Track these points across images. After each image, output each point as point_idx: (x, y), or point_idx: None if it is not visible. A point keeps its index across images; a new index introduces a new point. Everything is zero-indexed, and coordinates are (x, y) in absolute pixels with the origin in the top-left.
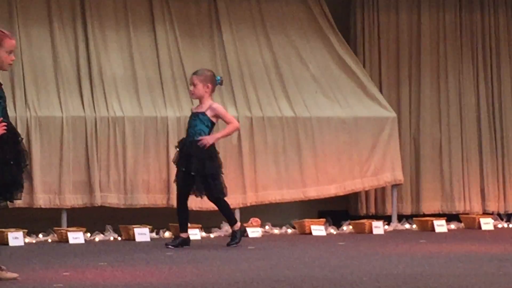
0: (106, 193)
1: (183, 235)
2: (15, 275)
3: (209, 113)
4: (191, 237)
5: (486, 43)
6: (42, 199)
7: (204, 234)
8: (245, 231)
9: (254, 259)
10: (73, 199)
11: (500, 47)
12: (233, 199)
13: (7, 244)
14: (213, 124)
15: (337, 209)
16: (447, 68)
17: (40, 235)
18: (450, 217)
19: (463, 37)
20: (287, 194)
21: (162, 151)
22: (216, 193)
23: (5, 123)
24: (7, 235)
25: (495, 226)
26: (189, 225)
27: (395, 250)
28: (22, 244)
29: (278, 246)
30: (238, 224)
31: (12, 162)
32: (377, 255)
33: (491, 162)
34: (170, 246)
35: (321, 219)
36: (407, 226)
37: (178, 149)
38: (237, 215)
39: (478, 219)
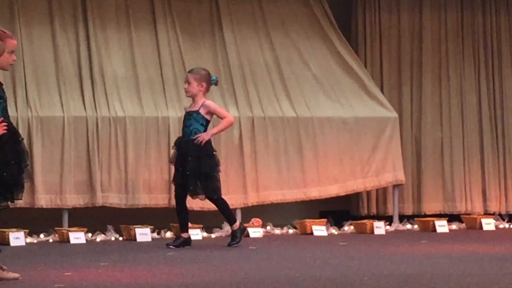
0: (107, 193)
1: (184, 235)
2: (16, 275)
3: (202, 111)
4: (193, 237)
5: (488, 43)
6: (43, 199)
7: (205, 234)
8: (245, 230)
9: (255, 259)
10: (74, 199)
11: (502, 47)
12: (234, 199)
13: (8, 244)
14: (207, 121)
15: (339, 209)
16: (448, 68)
17: (42, 235)
18: (452, 218)
19: (464, 37)
20: (289, 194)
21: (163, 151)
22: (208, 193)
23: (5, 123)
24: (8, 235)
25: (496, 226)
26: (190, 225)
27: (397, 250)
28: (23, 244)
29: (280, 246)
30: (237, 223)
31: (12, 162)
32: (379, 255)
33: (492, 163)
34: (171, 246)
35: (323, 219)
36: (408, 226)
37: (175, 148)
38: (238, 215)
39: (480, 220)
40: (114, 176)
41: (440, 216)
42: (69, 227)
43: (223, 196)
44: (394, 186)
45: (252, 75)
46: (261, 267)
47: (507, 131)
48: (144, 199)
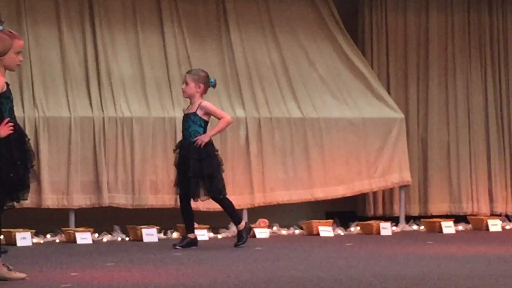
0: (114, 193)
1: (190, 235)
2: (23, 275)
3: (199, 113)
4: (199, 238)
5: (494, 43)
6: (50, 200)
7: (211, 234)
8: (251, 230)
9: (261, 259)
10: (81, 200)
11: (508, 47)
12: (241, 200)
13: (15, 244)
14: (206, 122)
15: (345, 210)
16: (455, 69)
17: (48, 236)
18: (458, 218)
19: (471, 38)
20: (295, 195)
21: (170, 152)
22: (213, 193)
23: (12, 123)
24: (15, 235)
25: (503, 227)
26: (196, 225)
27: (403, 251)
28: (30, 244)
29: (286, 247)
30: (243, 223)
31: (19, 162)
32: (385, 256)
33: (499, 163)
34: (177, 247)
35: (329, 220)
36: (414, 227)
37: (177, 152)
38: (245, 215)
39: (486, 221)
40: (121, 177)
41: (446, 217)
42: (75, 227)
43: (229, 197)
44: (401, 187)
45: (259, 76)
46: (268, 267)
47: None
48: (151, 200)
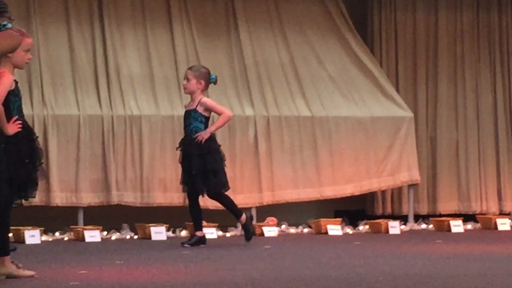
0: (122, 191)
1: (198, 233)
2: (32, 273)
3: (199, 109)
4: (208, 236)
5: (504, 43)
6: (58, 198)
7: (220, 233)
8: (252, 217)
9: (270, 258)
10: (89, 198)
11: None
12: (250, 198)
13: (24, 242)
14: (206, 118)
15: (354, 209)
16: (464, 68)
17: (57, 233)
18: (467, 217)
19: (480, 37)
20: (304, 194)
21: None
22: (218, 188)
23: (20, 121)
24: (23, 233)
25: (511, 226)
26: (205, 224)
27: (412, 250)
28: (39, 242)
29: (294, 246)
30: (244, 216)
31: (27, 160)
32: (393, 255)
33: (508, 162)
34: (186, 245)
35: (338, 219)
36: (423, 226)
37: (180, 149)
38: (254, 214)
39: (495, 220)
40: (130, 175)
41: (455, 216)
42: (84, 225)
43: (237, 195)
44: (409, 185)
45: (268, 75)
46: (276, 266)
47: None
48: (159, 198)
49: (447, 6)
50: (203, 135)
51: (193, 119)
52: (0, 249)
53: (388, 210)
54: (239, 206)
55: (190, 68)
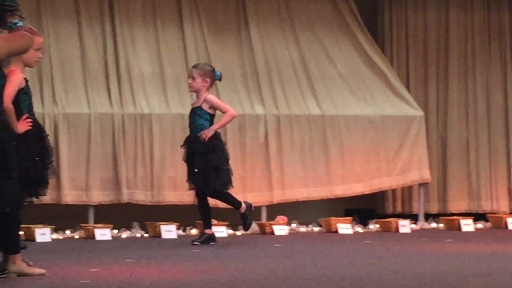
0: (133, 190)
1: (207, 231)
2: (42, 271)
3: (205, 106)
4: (218, 235)
5: None
6: (69, 196)
7: (230, 231)
8: (251, 207)
9: (280, 257)
10: (100, 196)
11: None
12: (260, 197)
13: (35, 240)
14: (212, 116)
15: (364, 208)
16: (475, 67)
17: (67, 232)
18: (477, 216)
19: (491, 36)
20: (314, 192)
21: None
22: (220, 186)
23: (30, 119)
24: (34, 231)
25: None
26: (215, 222)
27: (422, 249)
28: (49, 240)
29: (305, 244)
30: (243, 206)
31: (37, 158)
32: (404, 254)
33: None
34: (196, 243)
35: (348, 218)
36: (433, 225)
37: (184, 147)
38: (264, 212)
39: (505, 219)
40: (140, 173)
41: (465, 215)
42: (94, 223)
43: (248, 194)
44: (420, 184)
45: (278, 73)
46: (286, 265)
47: None
48: (170, 196)
49: (458, 4)
50: (207, 133)
51: (198, 117)
52: (11, 247)
53: (399, 209)
54: None
55: (195, 66)
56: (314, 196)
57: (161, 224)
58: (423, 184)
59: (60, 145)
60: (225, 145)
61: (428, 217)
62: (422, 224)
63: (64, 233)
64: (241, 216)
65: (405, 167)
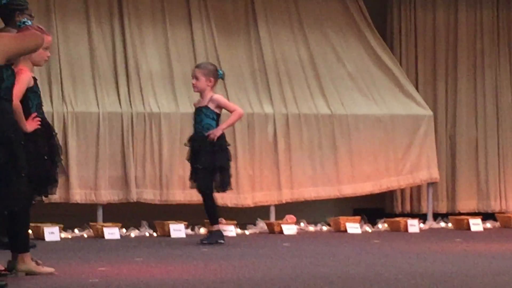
0: (141, 189)
1: (214, 227)
2: (51, 269)
3: (211, 106)
4: (226, 234)
5: None
6: (78, 195)
7: (239, 230)
8: (223, 236)
9: (289, 256)
10: (109, 195)
11: None
12: (269, 196)
13: (43, 239)
14: (218, 115)
15: (373, 207)
16: (484, 66)
17: (76, 230)
18: (486, 216)
19: (500, 35)
20: (323, 192)
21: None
22: (222, 187)
23: (39, 118)
24: (43, 230)
25: None
26: (224, 221)
27: (430, 248)
28: (58, 239)
29: (313, 244)
30: (218, 227)
31: (46, 157)
32: (412, 253)
33: None
34: (204, 242)
35: (356, 217)
36: (442, 224)
37: (189, 146)
38: (272, 212)
39: None
40: (149, 172)
41: (474, 214)
42: (103, 222)
43: (256, 193)
44: (429, 184)
45: (287, 72)
46: (295, 264)
47: None
48: (179, 195)
49: (467, 3)
50: (215, 133)
51: (205, 116)
52: (20, 246)
53: (407, 208)
54: (258, 204)
55: (197, 66)
56: (322, 195)
57: (169, 223)
58: (431, 184)
59: (69, 144)
60: (229, 145)
61: (437, 216)
62: (430, 223)
63: (73, 232)
64: (209, 232)
65: (413, 166)
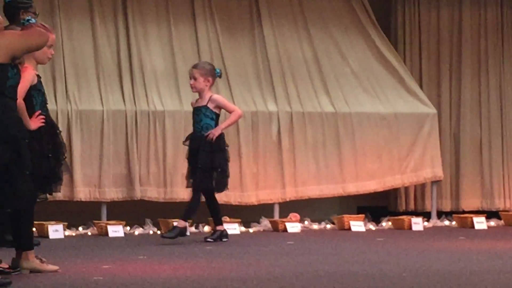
0: (145, 186)
1: (219, 228)
2: (55, 267)
3: (210, 105)
4: (230, 232)
5: None
6: (82, 193)
7: (243, 228)
8: (226, 234)
9: (293, 254)
10: (113, 193)
11: None
12: (273, 194)
13: (48, 236)
14: (217, 115)
15: (376, 205)
16: (487, 64)
17: (80, 228)
18: (490, 214)
19: (504, 33)
20: (327, 190)
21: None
22: (220, 187)
23: (43, 116)
24: (47, 227)
25: None
26: (228, 219)
27: (434, 246)
28: (62, 237)
29: (317, 242)
30: (222, 227)
31: (50, 155)
32: (416, 251)
33: None
34: (209, 240)
35: (360, 215)
36: (446, 222)
37: (186, 145)
38: (276, 210)
39: None
40: (153, 170)
41: (478, 212)
42: (107, 220)
43: (261, 191)
44: (432, 182)
45: (291, 70)
46: (299, 262)
47: None
48: (182, 193)
49: (471, 2)
50: (214, 133)
51: (204, 116)
52: (24, 243)
53: (411, 206)
54: (262, 202)
55: (194, 66)
56: (326, 193)
57: (173, 221)
58: (435, 182)
59: (73, 142)
60: (228, 146)
61: (441, 214)
62: (434, 221)
63: (77, 229)
64: (214, 231)
65: (417, 164)
